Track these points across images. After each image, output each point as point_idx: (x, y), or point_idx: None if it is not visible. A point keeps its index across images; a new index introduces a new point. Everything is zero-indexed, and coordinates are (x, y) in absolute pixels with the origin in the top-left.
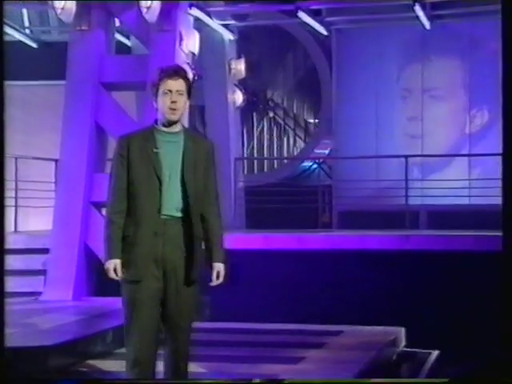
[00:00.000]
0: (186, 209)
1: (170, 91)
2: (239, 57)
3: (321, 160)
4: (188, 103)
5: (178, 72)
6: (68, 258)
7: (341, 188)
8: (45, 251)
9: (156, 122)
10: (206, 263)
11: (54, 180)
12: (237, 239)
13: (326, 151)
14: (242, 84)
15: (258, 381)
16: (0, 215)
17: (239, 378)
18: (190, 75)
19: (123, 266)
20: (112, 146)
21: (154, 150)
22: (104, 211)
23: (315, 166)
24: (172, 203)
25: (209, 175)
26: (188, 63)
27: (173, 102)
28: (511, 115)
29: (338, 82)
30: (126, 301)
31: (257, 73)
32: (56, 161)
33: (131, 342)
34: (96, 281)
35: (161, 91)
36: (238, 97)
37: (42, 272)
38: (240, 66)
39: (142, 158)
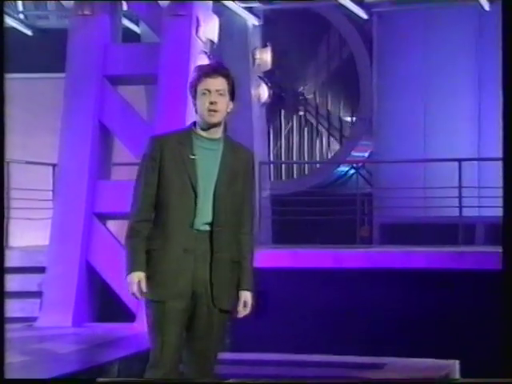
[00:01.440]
0: (220, 224)
1: (209, 91)
2: (265, 45)
3: (359, 164)
4: (232, 106)
5: (218, 70)
6: (67, 278)
7: (382, 197)
8: (41, 270)
9: (194, 124)
10: None
11: (51, 188)
12: (261, 256)
13: (366, 154)
14: (268, 77)
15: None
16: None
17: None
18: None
19: (147, 284)
20: (118, 148)
21: (191, 157)
22: (109, 223)
23: (352, 171)
24: (206, 217)
25: (247, 189)
26: (205, 53)
27: (212, 102)
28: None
29: (379, 74)
30: (149, 323)
31: (285, 64)
32: (54, 166)
33: (155, 364)
34: (99, 304)
35: (199, 91)
36: (264, 92)
37: (38, 294)
38: (265, 56)
39: (175, 164)
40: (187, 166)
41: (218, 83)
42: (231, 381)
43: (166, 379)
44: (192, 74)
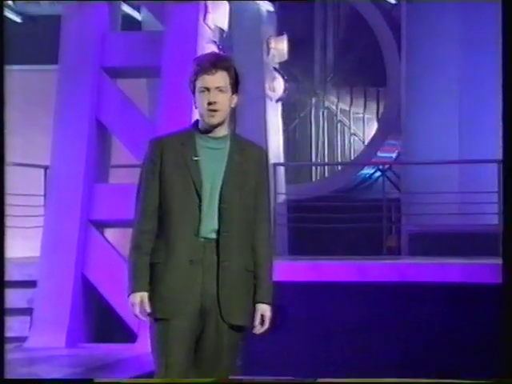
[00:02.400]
0: (228, 230)
1: (207, 89)
2: (280, 33)
3: (385, 166)
4: (236, 99)
5: (216, 63)
6: (60, 294)
7: (412, 202)
8: (31, 284)
9: (197, 122)
10: None
11: (42, 192)
12: (277, 268)
13: (393, 155)
14: (284, 68)
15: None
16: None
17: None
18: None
19: (150, 300)
20: (117, 148)
21: (194, 158)
22: (107, 232)
23: (378, 173)
24: (212, 223)
25: (261, 192)
26: (214, 42)
27: (210, 102)
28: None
29: (408, 65)
30: (152, 343)
31: (303, 53)
32: (45, 168)
33: None
34: (96, 323)
35: (197, 89)
36: (279, 85)
37: (28, 311)
38: (281, 46)
39: (177, 167)
40: (190, 169)
41: (218, 79)
42: (232, 380)
43: (166, 379)
44: (191, 69)
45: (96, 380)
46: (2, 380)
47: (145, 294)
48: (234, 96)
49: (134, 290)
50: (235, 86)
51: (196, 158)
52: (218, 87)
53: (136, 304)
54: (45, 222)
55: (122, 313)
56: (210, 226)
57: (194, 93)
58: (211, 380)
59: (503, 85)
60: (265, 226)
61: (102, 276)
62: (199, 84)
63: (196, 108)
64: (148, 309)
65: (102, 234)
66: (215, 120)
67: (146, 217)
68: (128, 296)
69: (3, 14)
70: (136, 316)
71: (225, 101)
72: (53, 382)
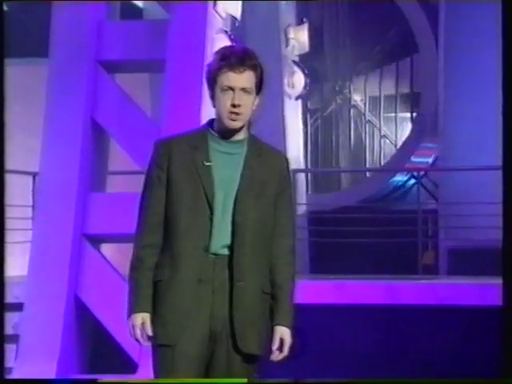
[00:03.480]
0: (243, 246)
1: (232, 89)
2: (300, 22)
3: (421, 172)
4: (257, 101)
5: (245, 60)
6: (51, 318)
7: (451, 214)
8: (17, 307)
9: (211, 123)
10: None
11: (30, 203)
12: (297, 289)
13: (429, 159)
14: (305, 61)
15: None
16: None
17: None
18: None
19: (152, 322)
20: (115, 152)
21: (206, 164)
22: (104, 248)
23: (412, 181)
24: (225, 238)
25: (281, 203)
26: (226, 32)
27: (235, 105)
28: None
29: (446, 59)
30: (155, 372)
31: (326, 45)
32: (34, 175)
33: None
34: (91, 351)
35: (219, 87)
36: (299, 80)
37: (13, 338)
38: (301, 36)
39: (187, 173)
40: (201, 175)
41: (245, 79)
42: (232, 380)
43: (166, 379)
44: (211, 60)
45: (100, 380)
46: (2, 380)
47: (146, 315)
48: (257, 97)
49: (134, 310)
50: (260, 86)
51: (208, 164)
52: (243, 88)
53: (137, 326)
54: (33, 236)
55: (120, 339)
56: (222, 240)
57: (212, 90)
58: (212, 380)
59: (503, 85)
60: (285, 243)
61: (97, 298)
62: (223, 82)
63: (214, 107)
64: (150, 332)
65: (99, 250)
66: (237, 124)
67: (149, 229)
68: (128, 317)
69: (3, 14)
70: (137, 340)
71: (249, 104)
72: (54, 382)
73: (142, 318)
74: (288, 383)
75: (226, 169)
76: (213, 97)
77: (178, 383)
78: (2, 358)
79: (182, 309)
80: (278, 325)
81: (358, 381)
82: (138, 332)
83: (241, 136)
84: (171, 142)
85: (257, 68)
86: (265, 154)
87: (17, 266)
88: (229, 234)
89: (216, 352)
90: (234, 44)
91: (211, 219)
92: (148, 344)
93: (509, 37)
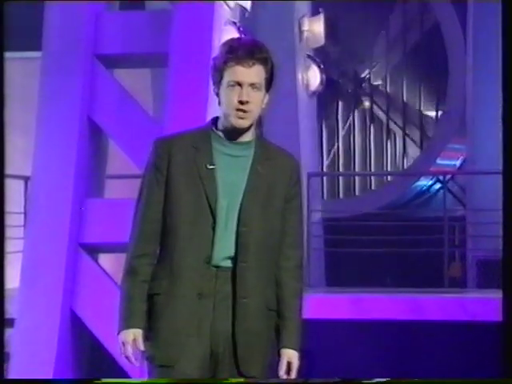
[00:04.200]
0: (248, 259)
1: (240, 84)
2: (316, 12)
3: (447, 176)
4: (267, 98)
5: (254, 53)
6: (44, 334)
7: (480, 222)
8: (7, 323)
9: (215, 122)
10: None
11: (22, 210)
12: (311, 303)
13: (456, 162)
14: (321, 56)
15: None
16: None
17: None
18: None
19: (147, 340)
20: (114, 154)
21: (209, 167)
22: (101, 258)
23: (438, 185)
24: (228, 249)
25: (290, 212)
26: (234, 24)
27: (242, 102)
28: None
29: (475, 54)
30: None
31: (344, 38)
32: (26, 179)
33: None
34: (87, 368)
35: (225, 81)
36: (314, 76)
37: (3, 356)
38: (317, 28)
39: (188, 176)
40: (203, 180)
41: (254, 74)
42: (232, 380)
43: (167, 380)
44: (217, 53)
45: (99, 380)
46: (2, 380)
47: (139, 332)
48: (267, 94)
49: (126, 325)
50: (270, 82)
51: (211, 167)
52: (252, 84)
53: (128, 343)
54: (25, 245)
55: (118, 356)
56: (224, 252)
57: (217, 85)
58: (212, 380)
59: (503, 85)
60: (293, 255)
61: (95, 313)
62: (230, 76)
63: (219, 105)
64: (142, 347)
65: (96, 261)
66: (245, 123)
67: (145, 237)
68: (118, 333)
69: (3, 14)
70: (127, 358)
71: (258, 101)
72: (53, 382)
73: (134, 335)
74: (289, 383)
75: (231, 173)
76: (217, 92)
77: (178, 383)
78: (1, 358)
79: (181, 326)
80: (285, 347)
81: (364, 381)
82: (129, 349)
83: (248, 137)
84: (171, 141)
85: (267, 62)
86: (274, 157)
87: (6, 278)
88: (232, 244)
89: (217, 374)
90: (243, 36)
91: (214, 228)
92: (137, 363)
93: (509, 37)
